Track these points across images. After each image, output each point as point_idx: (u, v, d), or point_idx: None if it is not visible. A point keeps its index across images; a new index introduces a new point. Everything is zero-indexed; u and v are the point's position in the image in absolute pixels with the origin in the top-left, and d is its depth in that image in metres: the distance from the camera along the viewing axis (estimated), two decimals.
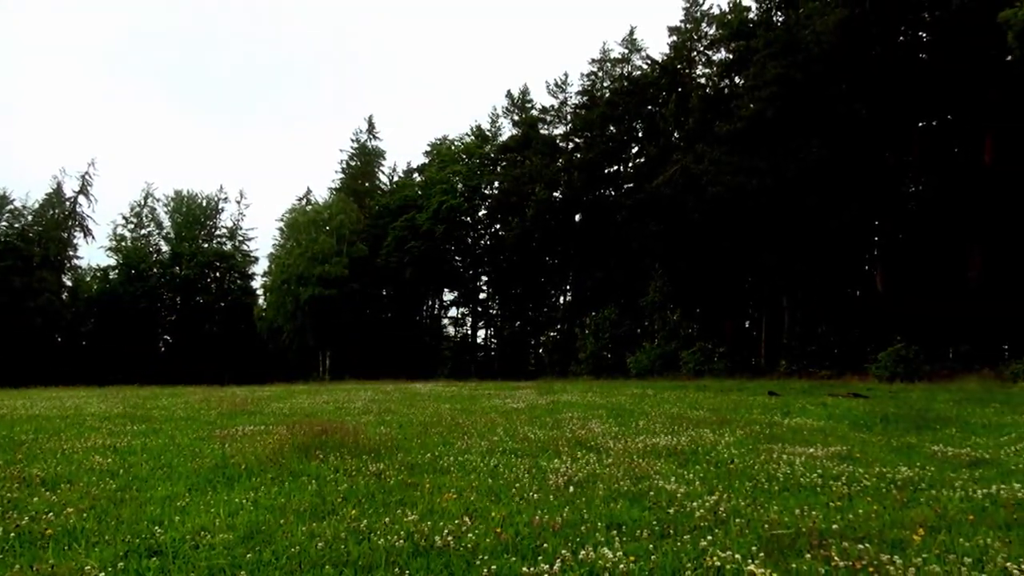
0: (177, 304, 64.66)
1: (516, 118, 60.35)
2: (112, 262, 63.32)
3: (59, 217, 59.82)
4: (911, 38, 31.29)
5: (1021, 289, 25.87)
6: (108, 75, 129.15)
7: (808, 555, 3.60)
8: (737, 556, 3.51)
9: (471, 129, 64.73)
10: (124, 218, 64.73)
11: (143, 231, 65.28)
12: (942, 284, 26.68)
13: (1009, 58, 22.66)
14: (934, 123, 31.96)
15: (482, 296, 62.11)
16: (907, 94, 27.90)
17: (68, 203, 60.71)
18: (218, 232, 69.04)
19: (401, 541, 3.87)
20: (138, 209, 65.31)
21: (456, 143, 64.98)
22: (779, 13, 38.70)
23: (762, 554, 3.61)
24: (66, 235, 60.20)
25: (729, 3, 43.32)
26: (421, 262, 54.76)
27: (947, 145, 32.06)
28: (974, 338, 25.07)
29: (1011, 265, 28.01)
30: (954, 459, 6.77)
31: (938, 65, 28.16)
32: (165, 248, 65.45)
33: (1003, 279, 26.83)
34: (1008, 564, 3.39)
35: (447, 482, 5.71)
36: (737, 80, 40.95)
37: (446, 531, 4.04)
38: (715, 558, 3.50)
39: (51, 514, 4.49)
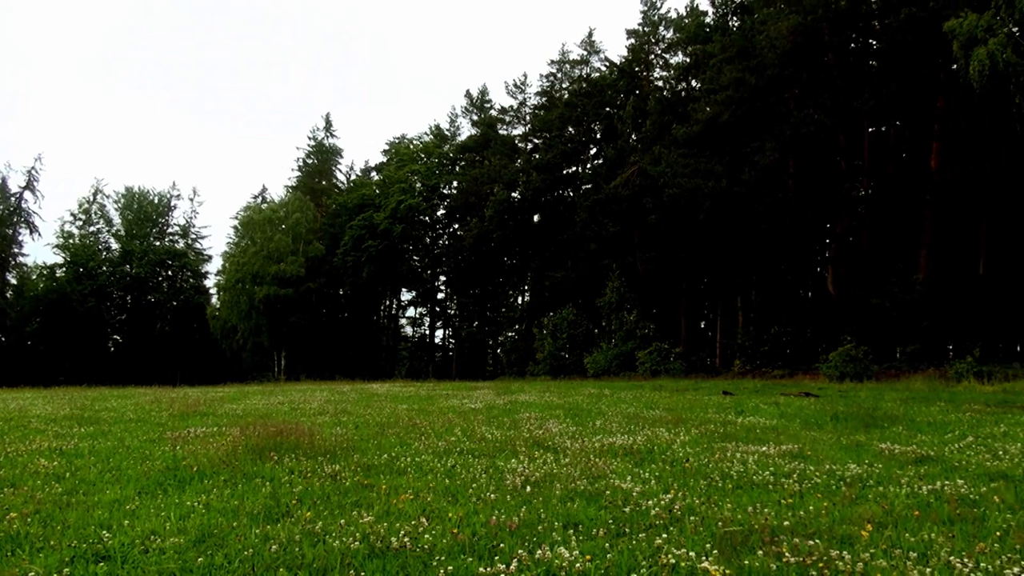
0: (128, 303, 63.22)
1: (475, 118, 60.38)
2: (59, 260, 61.64)
3: (3, 213, 58.03)
4: (862, 46, 32.05)
5: (964, 291, 26.65)
6: (56, 69, 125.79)
7: (760, 552, 3.66)
8: (691, 554, 3.55)
9: (430, 128, 64.59)
10: (72, 215, 63.09)
11: (92, 228, 63.64)
12: (891, 286, 27.35)
13: (955, 67, 23.33)
14: (883, 129, 32.77)
15: (440, 296, 61.98)
16: (858, 100, 28.55)
17: (13, 199, 58.92)
18: (170, 230, 67.74)
19: (357, 543, 3.84)
20: (87, 206, 63.68)
21: (415, 142, 64.74)
22: (735, 18, 39.34)
23: (716, 551, 3.66)
24: (11, 232, 58.41)
25: (686, 7, 43.91)
26: (379, 262, 54.43)
27: (896, 151, 32.91)
28: (921, 339, 25.76)
29: (955, 268, 28.85)
30: (901, 456, 6.95)
31: (887, 73, 28.88)
32: (115, 246, 63.92)
33: (948, 281, 27.62)
34: (951, 558, 3.49)
35: (404, 483, 5.67)
36: (694, 83, 41.51)
37: (402, 532, 4.01)
38: (670, 556, 3.54)
39: None
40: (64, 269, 60.85)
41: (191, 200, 78.64)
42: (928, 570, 3.35)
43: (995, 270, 26.96)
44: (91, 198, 64.24)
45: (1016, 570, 3.34)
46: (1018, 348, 27.62)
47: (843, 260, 31.58)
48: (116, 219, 64.90)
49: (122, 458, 7.13)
